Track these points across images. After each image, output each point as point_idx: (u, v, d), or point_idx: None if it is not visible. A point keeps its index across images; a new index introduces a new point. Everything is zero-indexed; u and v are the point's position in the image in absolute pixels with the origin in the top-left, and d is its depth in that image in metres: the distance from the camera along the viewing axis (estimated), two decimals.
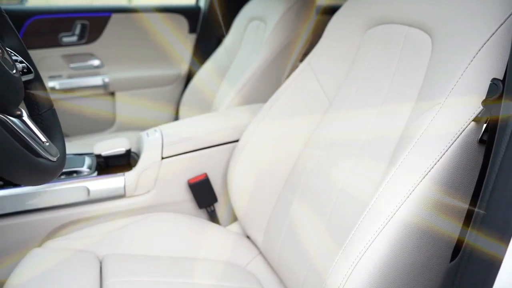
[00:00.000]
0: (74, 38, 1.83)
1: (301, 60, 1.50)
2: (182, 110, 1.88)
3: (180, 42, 2.02)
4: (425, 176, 0.56)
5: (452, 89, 0.60)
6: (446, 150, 0.56)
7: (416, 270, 0.58)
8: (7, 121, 0.55)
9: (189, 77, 2.05)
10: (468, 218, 0.59)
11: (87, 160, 1.10)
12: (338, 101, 0.92)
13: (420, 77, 0.72)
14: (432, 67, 0.69)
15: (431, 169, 0.56)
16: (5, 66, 0.55)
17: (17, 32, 0.69)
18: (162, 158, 1.09)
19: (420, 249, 0.57)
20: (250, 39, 1.59)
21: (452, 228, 0.59)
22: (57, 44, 1.80)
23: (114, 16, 1.86)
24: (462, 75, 0.60)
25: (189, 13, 2.00)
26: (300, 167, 0.94)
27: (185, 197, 1.14)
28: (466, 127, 0.57)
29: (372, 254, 0.55)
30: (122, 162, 1.10)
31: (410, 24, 0.78)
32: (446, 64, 0.64)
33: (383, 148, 0.74)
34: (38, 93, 0.70)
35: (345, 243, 0.60)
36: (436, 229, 0.58)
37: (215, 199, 1.16)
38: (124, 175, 1.06)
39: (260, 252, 1.04)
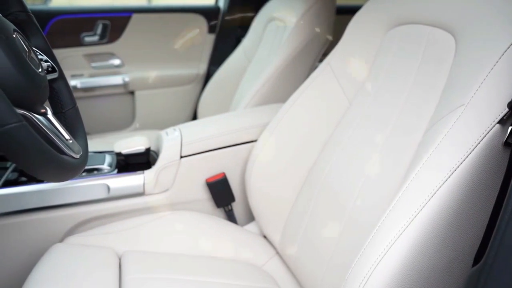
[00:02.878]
0: (95, 38, 1.86)
1: (321, 60, 1.49)
2: (201, 110, 1.90)
3: (199, 42, 2.03)
4: (448, 178, 0.55)
5: (477, 90, 0.59)
6: (470, 153, 0.55)
7: (436, 274, 0.57)
8: (33, 119, 0.56)
9: (207, 76, 2.06)
10: (492, 222, 0.58)
11: (108, 158, 1.12)
12: (358, 101, 0.91)
13: (443, 78, 0.71)
14: (456, 68, 0.67)
15: (454, 171, 0.55)
16: (32, 65, 0.56)
17: (42, 32, 0.70)
18: (181, 157, 1.10)
19: (441, 253, 0.57)
20: (269, 39, 1.59)
21: (474, 232, 0.58)
22: (79, 43, 1.84)
23: (135, 16, 1.88)
24: (487, 76, 0.59)
25: (208, 13, 2.01)
26: (319, 167, 0.94)
27: (203, 196, 1.15)
28: (491, 129, 0.56)
29: (392, 257, 0.55)
30: (142, 161, 1.11)
31: (433, 24, 0.77)
32: (470, 65, 0.63)
33: (405, 149, 0.73)
34: (62, 91, 0.71)
35: (365, 245, 0.59)
36: (458, 232, 0.57)
37: (232, 199, 1.16)
38: (143, 173, 1.07)
39: (277, 252, 1.04)
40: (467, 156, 0.55)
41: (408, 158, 0.72)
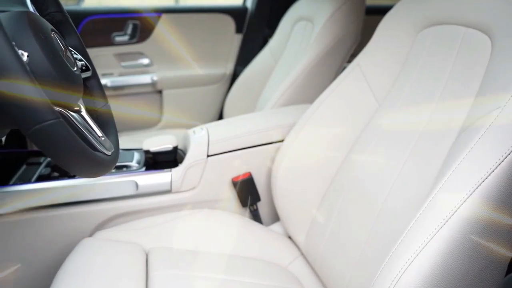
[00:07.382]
0: (125, 38, 1.90)
1: (349, 61, 1.48)
2: (227, 109, 1.91)
3: (226, 42, 2.05)
4: (482, 182, 0.54)
5: None
6: (506, 157, 0.54)
7: (467, 282, 0.56)
8: (68, 116, 0.58)
9: (234, 76, 2.07)
10: None
11: (136, 156, 1.14)
12: (388, 103, 0.90)
13: (477, 80, 0.69)
14: (491, 70, 0.65)
15: (488, 176, 0.54)
16: (68, 64, 0.58)
17: (77, 32, 0.72)
18: (208, 155, 1.11)
19: (473, 259, 0.55)
20: (296, 39, 1.58)
21: (509, 239, 0.56)
22: (110, 43, 1.88)
23: (164, 17, 1.91)
24: None
25: (236, 13, 2.02)
26: (346, 168, 0.93)
27: (229, 195, 1.15)
28: None
29: (423, 260, 0.53)
30: (169, 159, 1.12)
31: (467, 24, 0.75)
32: (508, 66, 0.61)
33: (436, 152, 0.72)
34: (95, 89, 0.73)
35: (394, 246, 0.58)
36: (491, 238, 0.55)
37: (258, 198, 1.16)
38: (171, 171, 1.08)
39: (302, 253, 1.03)
40: (502, 161, 0.54)
41: (440, 160, 0.70)
